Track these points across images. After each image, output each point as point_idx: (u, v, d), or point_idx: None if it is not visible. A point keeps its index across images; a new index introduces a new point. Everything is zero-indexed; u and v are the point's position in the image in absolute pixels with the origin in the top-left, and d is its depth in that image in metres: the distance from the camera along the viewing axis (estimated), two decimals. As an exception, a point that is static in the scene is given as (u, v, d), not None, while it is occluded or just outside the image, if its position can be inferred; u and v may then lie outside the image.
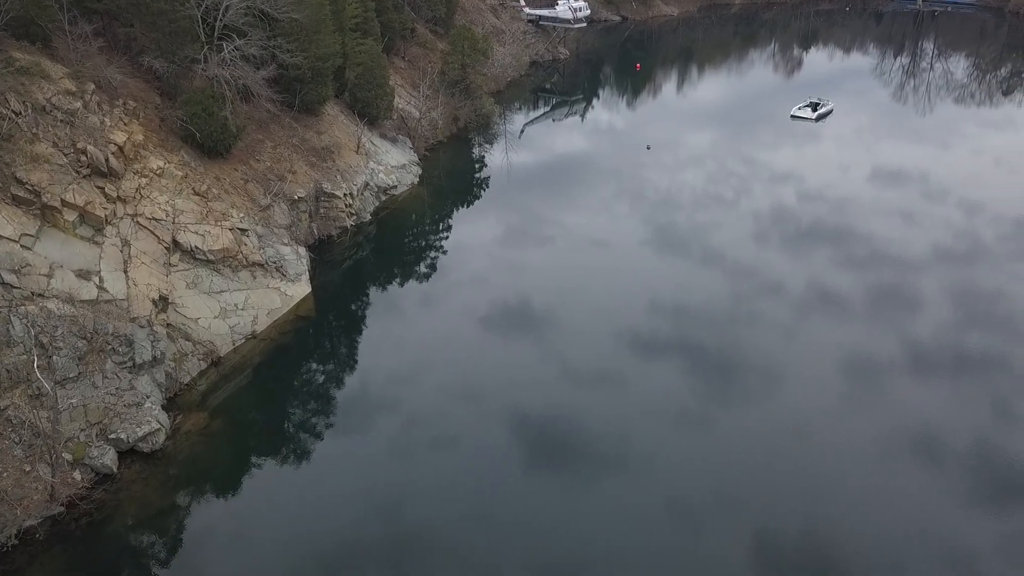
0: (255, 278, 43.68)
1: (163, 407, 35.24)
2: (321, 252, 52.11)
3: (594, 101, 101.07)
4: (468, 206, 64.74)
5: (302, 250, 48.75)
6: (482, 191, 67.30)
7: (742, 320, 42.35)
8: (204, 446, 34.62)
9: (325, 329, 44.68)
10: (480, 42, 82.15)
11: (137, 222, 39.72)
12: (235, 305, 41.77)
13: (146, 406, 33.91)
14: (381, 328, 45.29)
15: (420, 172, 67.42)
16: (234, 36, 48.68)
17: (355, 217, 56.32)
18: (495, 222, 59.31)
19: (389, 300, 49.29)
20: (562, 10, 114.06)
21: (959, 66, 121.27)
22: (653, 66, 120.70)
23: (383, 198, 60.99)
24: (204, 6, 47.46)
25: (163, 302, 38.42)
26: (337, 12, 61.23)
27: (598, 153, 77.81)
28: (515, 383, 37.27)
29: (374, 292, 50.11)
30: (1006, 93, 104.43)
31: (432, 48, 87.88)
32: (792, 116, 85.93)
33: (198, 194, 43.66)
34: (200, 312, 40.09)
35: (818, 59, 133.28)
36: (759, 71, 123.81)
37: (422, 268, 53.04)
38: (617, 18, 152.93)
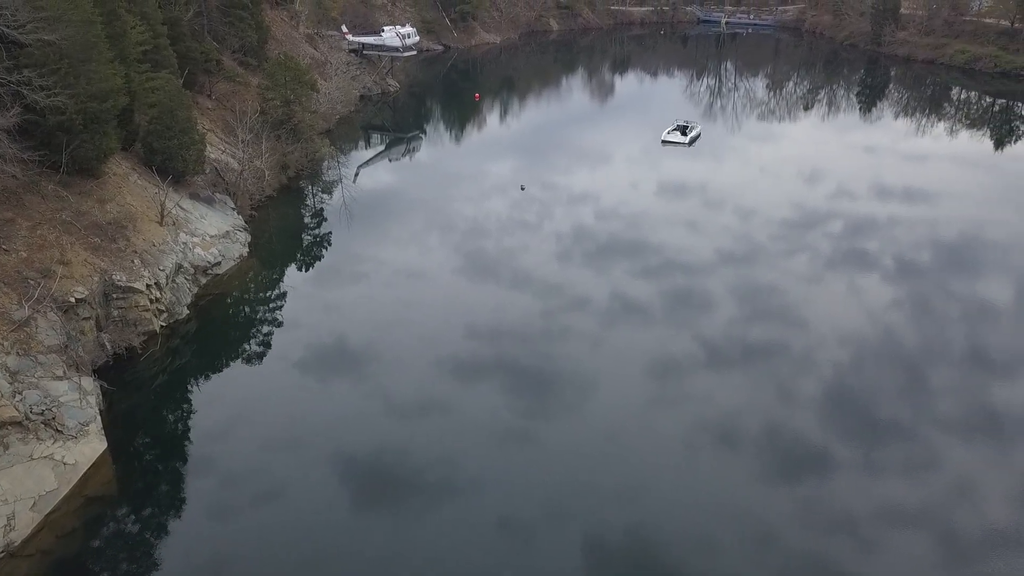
0: (7, 448, 27.21)
1: None
2: (119, 375, 35.98)
3: (430, 136, 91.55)
4: (307, 268, 51.98)
5: (88, 381, 32.53)
6: (323, 248, 54.85)
7: (556, 336, 42.01)
8: None
9: (130, 507, 28.80)
10: (305, 73, 68.05)
11: None
12: (-28, 504, 25.27)
13: None
14: (210, 475, 30.68)
15: (249, 239, 52.15)
16: (-52, 68, 32.11)
17: (166, 315, 40.40)
18: (337, 281, 49.13)
19: (219, 421, 34.26)
20: (389, 37, 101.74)
21: (759, 85, 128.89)
22: (486, 96, 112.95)
23: (203, 281, 45.23)
24: None
25: None
26: (116, 36, 45.20)
27: (443, 192, 67.17)
28: (350, 432, 33.96)
29: (200, 417, 34.68)
30: (806, 108, 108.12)
31: (244, 83, 72.35)
32: (663, 142, 78.75)
33: None
34: (-97, 533, 23.40)
35: (636, 83, 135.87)
36: (585, 96, 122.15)
37: (255, 361, 39.86)
38: (439, 47, 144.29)
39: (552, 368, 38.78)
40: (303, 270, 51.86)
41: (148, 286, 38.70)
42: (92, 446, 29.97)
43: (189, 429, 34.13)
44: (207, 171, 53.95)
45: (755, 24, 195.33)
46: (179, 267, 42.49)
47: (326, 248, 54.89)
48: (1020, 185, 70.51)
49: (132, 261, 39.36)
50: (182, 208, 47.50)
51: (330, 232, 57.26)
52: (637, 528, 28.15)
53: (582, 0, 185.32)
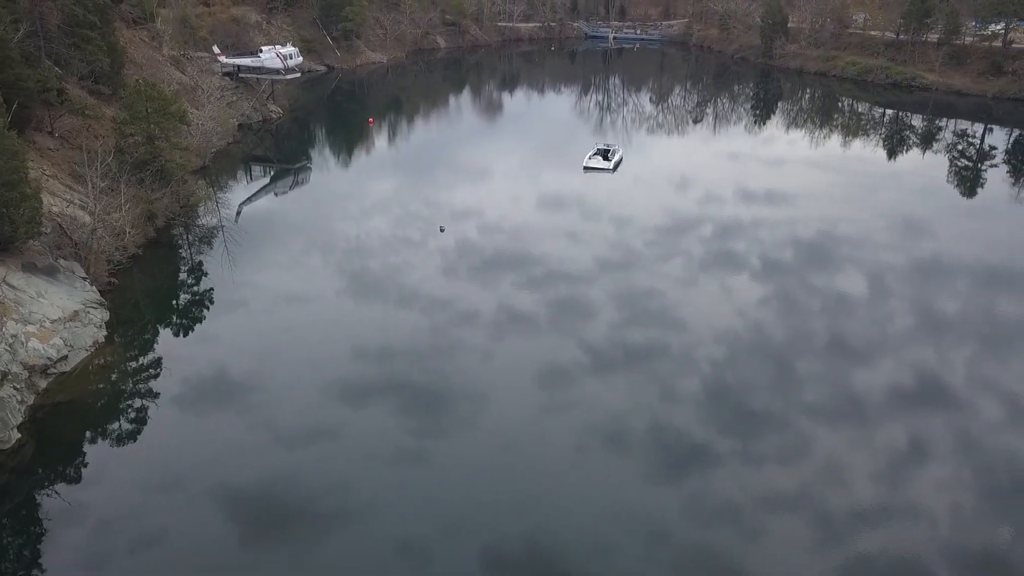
0: None
1: None
2: (-88, 548, 25.33)
3: (319, 164, 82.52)
4: (185, 333, 43.34)
5: None
6: (203, 307, 45.95)
7: (446, 351, 41.04)
8: None
9: None
10: (172, 102, 57.17)
11: None
12: None
13: None
14: None
15: (106, 316, 41.26)
16: None
17: (-13, 444, 29.58)
18: (219, 341, 41.79)
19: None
20: (269, 58, 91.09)
21: (645, 99, 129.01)
22: (378, 119, 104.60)
23: (42, 385, 34.21)
24: None
25: None
26: (-97, 64, 33.86)
27: (336, 224, 60.06)
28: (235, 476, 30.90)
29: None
30: (696, 121, 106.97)
31: (97, 116, 60.47)
32: (586, 168, 72.04)
33: None
34: None
35: (526, 101, 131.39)
36: (480, 116, 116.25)
37: (118, 478, 30.80)
38: (322, 68, 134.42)
39: (445, 383, 38.13)
40: (181, 335, 42.86)
41: (-45, 411, 27.85)
42: None
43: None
44: (47, 231, 42.66)
45: (642, 39, 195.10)
46: (4, 374, 31.47)
47: (207, 306, 45.69)
48: (900, 185, 72.29)
49: (-69, 376, 28.34)
50: (10, 286, 36.28)
51: (211, 288, 47.88)
52: (534, 536, 28.10)
53: (469, 16, 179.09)
